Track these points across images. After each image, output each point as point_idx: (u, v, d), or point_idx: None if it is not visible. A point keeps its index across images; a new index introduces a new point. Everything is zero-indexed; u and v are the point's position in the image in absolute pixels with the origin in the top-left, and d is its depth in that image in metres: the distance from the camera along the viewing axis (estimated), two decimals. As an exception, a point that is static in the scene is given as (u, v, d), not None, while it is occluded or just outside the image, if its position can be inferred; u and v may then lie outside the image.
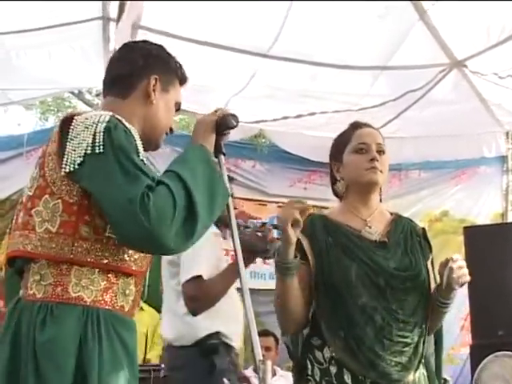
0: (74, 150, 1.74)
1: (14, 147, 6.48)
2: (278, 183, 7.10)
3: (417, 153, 6.94)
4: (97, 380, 1.68)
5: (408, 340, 2.24)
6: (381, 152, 2.39)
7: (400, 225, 2.44)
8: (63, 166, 1.74)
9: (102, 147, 1.73)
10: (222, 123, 1.97)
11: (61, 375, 1.66)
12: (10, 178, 6.37)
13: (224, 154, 1.99)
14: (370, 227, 2.38)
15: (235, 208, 2.24)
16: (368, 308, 2.22)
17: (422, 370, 2.30)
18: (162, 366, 5.46)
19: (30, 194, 1.82)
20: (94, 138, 1.74)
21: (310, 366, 2.30)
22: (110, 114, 1.81)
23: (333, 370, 2.23)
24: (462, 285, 2.23)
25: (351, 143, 2.43)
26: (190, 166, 1.82)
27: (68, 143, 1.76)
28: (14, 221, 1.89)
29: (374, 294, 2.24)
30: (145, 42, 2.15)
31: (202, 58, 5.00)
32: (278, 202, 7.06)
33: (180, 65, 2.13)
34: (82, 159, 1.73)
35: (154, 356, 5.88)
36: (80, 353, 1.70)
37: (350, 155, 2.42)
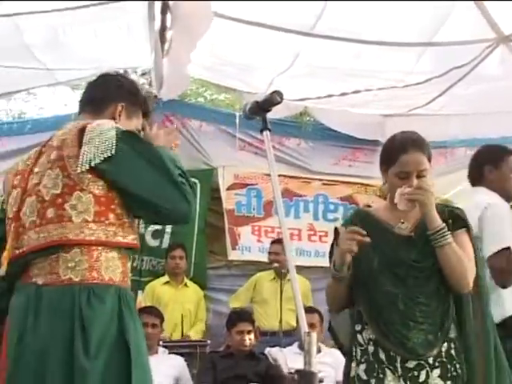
0: (90, 152, 2.11)
1: (52, 129, 6.58)
2: (323, 161, 7.08)
3: (463, 130, 6.83)
4: (134, 343, 2.07)
5: (430, 320, 2.49)
6: (421, 176, 2.55)
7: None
8: (80, 164, 2.11)
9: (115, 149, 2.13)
10: (267, 100, 2.00)
11: (108, 342, 2.05)
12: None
13: (269, 130, 2.02)
14: (402, 223, 2.62)
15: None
16: (391, 295, 2.52)
17: (449, 344, 2.52)
18: (208, 342, 5.58)
19: (57, 192, 2.12)
20: (107, 142, 2.13)
21: (354, 349, 2.63)
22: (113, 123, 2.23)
23: (370, 349, 2.56)
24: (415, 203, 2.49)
25: (395, 166, 2.59)
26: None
27: (84, 146, 2.12)
28: (32, 216, 2.17)
29: (395, 282, 2.54)
30: (120, 75, 2.54)
31: (247, 37, 5.00)
32: (322, 180, 7.06)
33: (145, 99, 2.54)
34: (102, 159, 2.11)
35: (196, 332, 5.94)
36: (119, 323, 2.08)
37: (393, 177, 2.60)
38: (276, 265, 5.85)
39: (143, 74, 9.17)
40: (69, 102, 13.49)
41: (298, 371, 1.63)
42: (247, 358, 4.96)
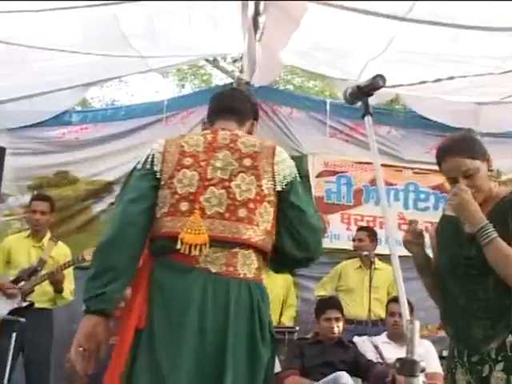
0: (283, 172, 2.47)
1: (154, 113, 6.72)
2: (414, 149, 6.95)
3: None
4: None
5: (490, 314, 2.53)
6: (469, 176, 2.62)
7: (494, 211, 2.62)
8: (278, 182, 2.45)
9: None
10: (370, 84, 1.97)
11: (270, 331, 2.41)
12: (150, 142, 6.55)
13: (371, 115, 1.98)
14: None
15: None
16: (452, 291, 2.66)
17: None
18: (297, 328, 5.59)
19: (250, 197, 2.39)
20: (293, 169, 2.52)
21: None
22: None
23: (451, 342, 2.74)
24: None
25: (443, 173, 2.75)
26: None
27: (276, 166, 2.46)
28: (217, 206, 2.38)
29: (456, 279, 2.65)
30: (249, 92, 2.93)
31: (341, 22, 4.94)
32: (413, 168, 6.95)
33: None
34: (289, 182, 2.47)
35: (287, 318, 5.98)
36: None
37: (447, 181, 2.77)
38: (366, 253, 5.79)
39: (235, 61, 9.24)
40: (160, 89, 13.77)
41: (399, 359, 1.59)
42: (335, 345, 4.95)
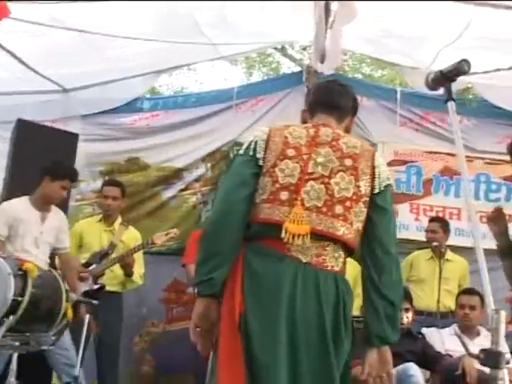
0: (380, 178, 2.52)
1: (223, 100, 6.73)
2: (486, 139, 6.76)
3: None
4: None
5: None
6: None
7: None
8: (376, 186, 2.51)
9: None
10: (454, 69, 1.92)
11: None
12: (220, 129, 6.65)
13: (454, 101, 1.93)
14: None
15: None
16: None
17: None
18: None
19: (348, 195, 2.45)
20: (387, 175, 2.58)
21: None
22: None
23: None
24: None
25: None
26: None
27: (377, 169, 2.52)
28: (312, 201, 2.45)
29: None
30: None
31: (414, 8, 4.84)
32: (484, 159, 6.78)
33: None
34: (385, 186, 2.51)
35: (354, 307, 5.92)
36: None
37: None
38: (435, 244, 5.69)
39: (304, 49, 9.19)
40: (228, 77, 13.81)
41: (483, 350, 1.55)
42: (404, 336, 4.84)
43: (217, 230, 2.43)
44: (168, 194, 6.62)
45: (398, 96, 6.68)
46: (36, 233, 4.72)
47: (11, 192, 5.83)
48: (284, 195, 2.43)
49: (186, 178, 6.62)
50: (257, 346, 2.31)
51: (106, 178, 6.40)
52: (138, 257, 5.26)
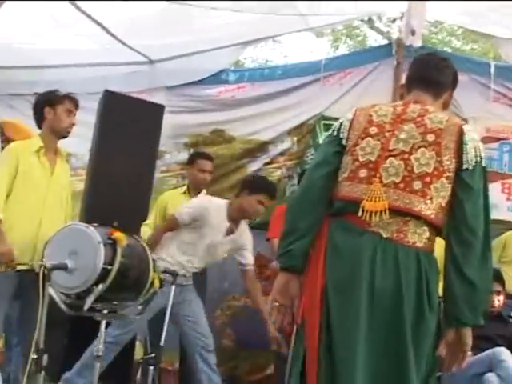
0: (468, 154, 2.46)
1: (311, 73, 6.65)
2: None
3: None
4: None
5: None
6: None
7: None
8: (464, 163, 2.45)
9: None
10: None
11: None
12: (306, 103, 6.58)
13: None
14: None
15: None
16: None
17: None
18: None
19: (428, 171, 2.44)
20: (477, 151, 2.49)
21: None
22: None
23: None
24: None
25: None
26: None
27: (465, 145, 2.48)
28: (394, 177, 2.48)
29: None
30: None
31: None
32: None
33: None
34: (474, 164, 2.45)
35: (440, 288, 5.80)
36: None
37: None
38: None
39: (393, 21, 9.00)
40: (314, 49, 13.69)
41: None
42: (494, 319, 4.76)
43: (297, 204, 2.62)
44: (252, 167, 6.62)
45: (492, 70, 6.45)
46: (214, 241, 4.72)
47: (98, 163, 5.94)
48: (363, 173, 2.51)
49: (271, 151, 6.59)
50: (335, 319, 2.40)
51: (191, 150, 6.45)
52: (222, 231, 5.26)
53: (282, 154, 6.59)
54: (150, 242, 4.61)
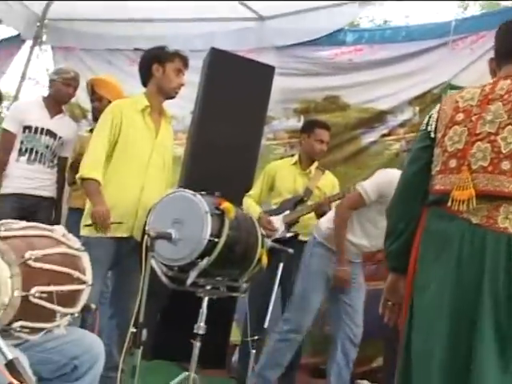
0: None
1: (438, 36, 6.46)
2: None
3: None
4: None
5: None
6: None
7: None
8: None
9: None
10: None
11: None
12: (432, 69, 6.40)
13: None
14: None
15: None
16: None
17: None
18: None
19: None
20: None
21: None
22: None
23: None
24: None
25: None
26: None
27: None
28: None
29: None
30: None
31: None
32: None
33: None
34: None
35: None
36: None
37: None
38: None
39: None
40: (440, 11, 13.32)
41: None
42: None
43: (394, 205, 2.84)
44: (368, 138, 6.52)
45: None
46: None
47: (200, 127, 6.01)
48: (452, 163, 2.58)
49: (390, 122, 6.46)
50: (420, 302, 2.57)
51: (301, 117, 6.42)
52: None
53: (401, 125, 6.45)
54: (336, 222, 4.66)
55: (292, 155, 5.77)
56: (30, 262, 2.18)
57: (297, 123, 6.58)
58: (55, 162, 5.45)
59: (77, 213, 5.22)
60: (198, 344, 3.79)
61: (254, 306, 4.64)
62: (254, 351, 4.14)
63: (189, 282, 3.64)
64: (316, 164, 5.42)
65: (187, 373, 3.80)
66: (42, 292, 2.21)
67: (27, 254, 2.18)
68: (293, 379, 5.28)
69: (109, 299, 4.43)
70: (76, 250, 2.51)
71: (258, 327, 4.49)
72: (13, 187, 5.27)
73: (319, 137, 5.34)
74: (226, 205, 3.71)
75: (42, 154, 5.33)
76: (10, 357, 1.78)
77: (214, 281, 3.89)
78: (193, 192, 3.74)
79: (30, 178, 5.27)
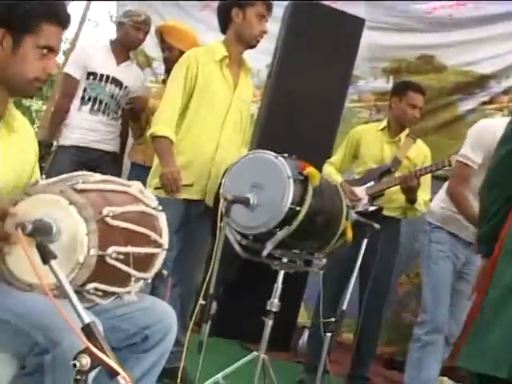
0: None
1: None
2: None
3: None
4: None
5: None
6: None
7: None
8: None
9: None
10: None
11: None
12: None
13: None
14: None
15: None
16: None
17: None
18: None
19: None
20: None
21: None
22: None
23: None
24: None
25: None
26: None
27: None
28: None
29: None
30: None
31: None
32: None
33: None
34: None
35: None
36: None
37: None
38: None
39: None
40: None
41: None
42: None
43: (486, 187, 2.89)
44: (466, 105, 6.46)
45: None
46: None
47: (279, 82, 5.99)
48: None
49: (493, 88, 6.37)
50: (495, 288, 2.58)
51: (391, 77, 6.35)
52: (426, 179, 5.14)
53: (505, 92, 6.34)
54: (457, 206, 4.60)
55: (377, 120, 5.73)
56: (108, 219, 2.19)
57: (385, 84, 6.53)
58: (119, 113, 5.46)
59: (139, 169, 5.29)
60: (269, 322, 3.80)
61: (329, 285, 4.61)
62: (329, 334, 4.11)
63: (265, 252, 3.64)
64: (406, 131, 5.34)
65: (256, 353, 3.81)
66: (119, 253, 2.22)
67: (105, 210, 2.19)
68: (366, 368, 5.28)
69: (171, 266, 4.46)
70: (153, 209, 2.52)
71: (332, 309, 4.48)
72: (73, 139, 5.30)
73: (412, 101, 5.23)
74: (310, 170, 3.68)
75: (106, 103, 5.34)
76: (87, 320, 1.80)
77: (291, 253, 3.89)
78: (274, 154, 3.72)
79: (92, 129, 5.30)
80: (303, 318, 6.32)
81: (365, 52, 6.33)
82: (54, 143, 5.43)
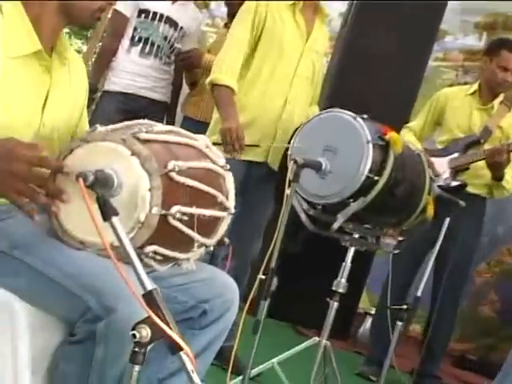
0: None
1: None
2: None
3: None
4: None
5: None
6: None
7: None
8: None
9: None
10: None
11: None
12: None
13: None
14: None
15: None
16: None
17: None
18: None
19: None
20: None
21: None
22: None
23: None
24: None
25: None
26: None
27: None
28: None
29: None
30: None
31: None
32: None
33: None
34: None
35: None
36: None
37: None
38: None
39: None
40: None
41: None
42: None
43: None
44: None
45: None
46: None
47: (354, 32, 5.95)
48: None
49: None
50: None
51: (484, 34, 6.26)
52: (517, 157, 5.08)
53: None
54: None
55: (464, 83, 5.66)
56: (173, 175, 2.16)
57: (477, 42, 6.45)
58: (172, 58, 5.44)
59: (190, 123, 5.28)
60: (334, 304, 3.79)
61: (399, 268, 4.59)
62: (400, 323, 4.09)
63: (335, 225, 3.63)
64: (501, 97, 5.25)
65: (317, 338, 3.82)
66: (183, 213, 2.20)
67: (170, 165, 2.15)
68: (436, 365, 5.27)
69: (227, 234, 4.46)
70: (221, 167, 2.51)
71: (401, 296, 4.47)
72: (120, 84, 5.31)
73: (504, 62, 5.12)
74: (392, 135, 3.66)
75: (158, 46, 5.31)
76: (149, 287, 1.81)
77: (363, 229, 3.87)
78: (353, 114, 3.69)
79: (141, 75, 5.29)
80: (365, 303, 6.32)
81: (455, 4, 6.24)
82: (99, 88, 5.42)
